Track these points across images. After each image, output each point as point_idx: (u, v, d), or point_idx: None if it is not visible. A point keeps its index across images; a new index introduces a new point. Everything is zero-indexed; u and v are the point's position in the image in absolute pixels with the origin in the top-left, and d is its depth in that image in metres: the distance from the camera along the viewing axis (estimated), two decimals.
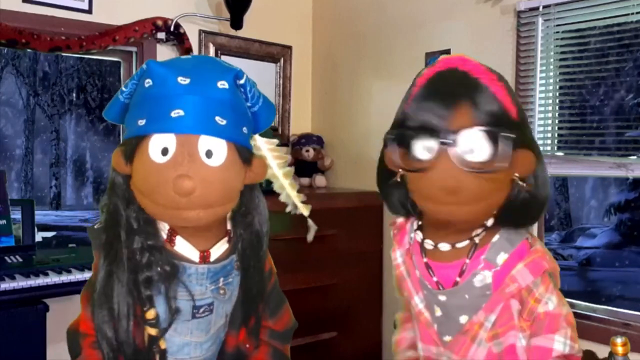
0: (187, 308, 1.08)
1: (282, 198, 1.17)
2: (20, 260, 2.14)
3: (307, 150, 2.92)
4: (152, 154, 0.95)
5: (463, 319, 1.10)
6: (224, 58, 2.73)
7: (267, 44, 2.91)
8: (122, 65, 2.60)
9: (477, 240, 1.09)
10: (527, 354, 1.07)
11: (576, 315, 2.04)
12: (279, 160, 1.13)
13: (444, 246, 1.10)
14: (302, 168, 2.92)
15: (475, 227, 1.09)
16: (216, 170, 0.97)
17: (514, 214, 1.05)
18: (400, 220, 1.23)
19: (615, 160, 1.97)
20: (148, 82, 0.97)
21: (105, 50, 2.38)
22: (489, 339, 1.09)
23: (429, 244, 1.13)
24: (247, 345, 1.17)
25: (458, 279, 1.09)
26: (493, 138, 0.95)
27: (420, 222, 1.17)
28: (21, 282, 1.94)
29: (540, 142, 2.16)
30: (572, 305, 2.10)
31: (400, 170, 1.05)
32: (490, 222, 1.08)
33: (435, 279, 1.12)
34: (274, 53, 2.96)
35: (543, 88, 2.16)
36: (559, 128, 2.17)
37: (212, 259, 1.10)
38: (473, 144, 0.95)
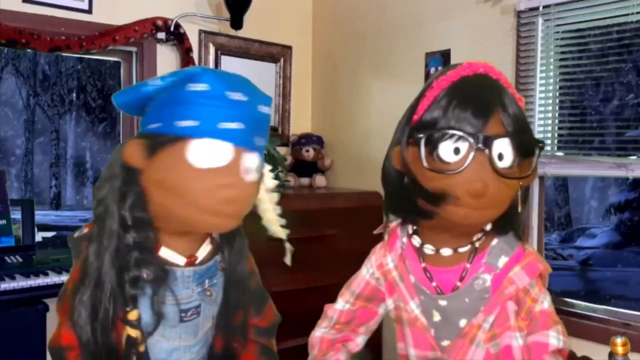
0: (173, 313, 1.07)
1: (264, 222, 1.19)
2: (20, 260, 2.14)
3: (307, 150, 2.92)
4: (197, 158, 0.95)
5: (462, 322, 1.11)
6: (224, 58, 2.73)
7: (267, 44, 2.91)
8: (122, 65, 2.60)
9: (477, 244, 1.11)
10: (524, 351, 1.09)
11: (576, 315, 2.06)
12: (268, 184, 1.14)
13: (446, 251, 1.11)
14: (302, 168, 2.92)
15: (476, 232, 1.10)
16: (253, 186, 1.02)
17: (509, 221, 1.09)
18: (392, 224, 1.22)
19: (615, 160, 1.97)
20: (203, 87, 0.98)
21: (105, 50, 2.38)
22: (487, 340, 1.10)
23: (429, 249, 1.13)
24: (235, 345, 1.18)
25: (459, 283, 1.10)
26: (520, 145, 1.00)
27: (415, 227, 1.17)
28: (21, 282, 1.94)
29: None
30: (572, 305, 2.11)
31: (412, 169, 1.05)
32: (488, 226, 1.11)
33: (434, 283, 1.12)
34: (274, 53, 2.96)
35: (543, 88, 2.16)
36: (559, 128, 2.18)
37: (197, 261, 1.11)
38: (503, 149, 0.99)
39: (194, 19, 2.64)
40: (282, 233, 1.22)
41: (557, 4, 2.07)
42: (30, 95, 14.97)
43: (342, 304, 1.30)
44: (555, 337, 1.09)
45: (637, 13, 1.88)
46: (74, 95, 15.33)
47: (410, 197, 1.07)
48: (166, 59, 2.56)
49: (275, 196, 1.17)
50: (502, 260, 1.09)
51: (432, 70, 2.48)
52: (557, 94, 2.16)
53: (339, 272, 2.41)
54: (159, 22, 2.48)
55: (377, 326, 1.33)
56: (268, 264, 2.23)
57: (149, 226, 1.04)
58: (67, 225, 11.02)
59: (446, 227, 1.07)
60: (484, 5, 2.30)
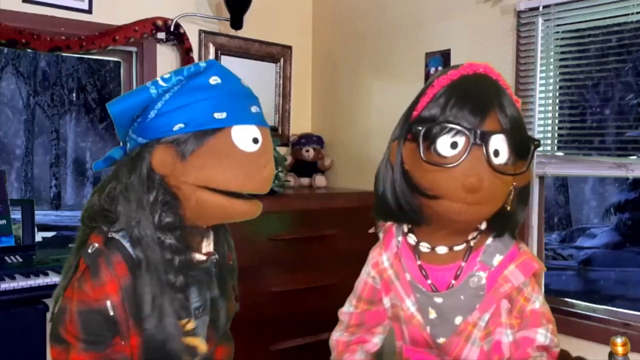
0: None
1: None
2: (20, 260, 2.14)
3: (307, 150, 2.92)
4: (241, 143, 1.01)
5: (458, 320, 1.12)
6: (224, 58, 2.73)
7: (267, 44, 2.91)
8: (122, 65, 2.60)
9: (472, 243, 1.12)
10: (512, 346, 1.12)
11: (576, 315, 2.06)
12: None
13: (442, 249, 1.13)
14: (302, 168, 2.92)
15: (471, 230, 1.12)
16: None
17: (499, 222, 1.10)
18: (387, 223, 1.24)
19: (615, 160, 1.97)
20: (215, 80, 1.02)
21: (105, 50, 2.38)
22: (483, 337, 1.12)
23: (424, 246, 1.14)
24: (209, 335, 1.18)
25: (453, 281, 1.12)
26: (515, 143, 1.02)
27: (410, 226, 1.18)
28: (21, 282, 1.94)
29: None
30: (572, 305, 2.11)
31: (407, 164, 1.07)
32: (483, 225, 1.12)
33: (429, 281, 1.13)
34: (274, 53, 2.96)
35: (543, 88, 2.16)
36: (559, 128, 2.17)
37: (213, 256, 1.14)
38: (499, 146, 1.00)
39: (194, 19, 2.64)
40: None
41: (557, 4, 2.07)
42: (30, 95, 14.97)
43: (348, 307, 1.31)
44: (542, 335, 1.11)
45: (637, 13, 1.88)
46: (74, 95, 15.33)
47: (399, 195, 1.08)
48: (166, 59, 2.56)
49: None
50: (497, 259, 1.11)
51: (432, 70, 2.48)
52: (557, 94, 2.16)
53: (339, 272, 2.42)
54: (159, 22, 2.48)
55: None
56: (268, 264, 2.25)
57: (183, 228, 1.04)
58: (67, 225, 11.02)
59: (441, 224, 1.08)
60: (484, 5, 2.30)
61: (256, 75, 2.83)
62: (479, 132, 0.99)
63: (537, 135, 2.15)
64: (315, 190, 2.79)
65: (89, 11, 2.37)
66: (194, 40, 2.61)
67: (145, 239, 0.99)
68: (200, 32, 2.66)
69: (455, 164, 1.00)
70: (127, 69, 2.59)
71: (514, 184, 1.06)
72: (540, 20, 2.13)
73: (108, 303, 0.99)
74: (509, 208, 1.07)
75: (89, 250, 1.02)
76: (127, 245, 1.01)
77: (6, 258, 2.12)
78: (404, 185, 1.07)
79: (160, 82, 1.02)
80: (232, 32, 2.67)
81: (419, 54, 2.54)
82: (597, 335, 1.92)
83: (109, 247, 1.01)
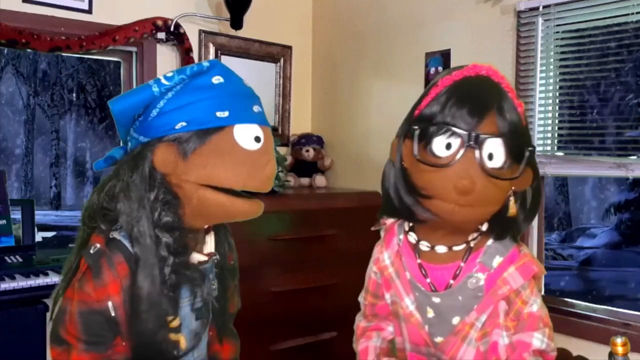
0: (188, 310, 1.09)
1: None
2: (20, 260, 2.14)
3: (307, 150, 2.92)
4: (243, 141, 1.02)
5: (455, 320, 1.13)
6: (224, 58, 2.73)
7: (267, 44, 2.91)
8: (122, 65, 2.60)
9: (472, 244, 1.12)
10: (508, 349, 1.12)
11: (576, 315, 2.06)
12: None
13: (441, 248, 1.13)
14: (302, 168, 2.92)
15: (471, 231, 1.12)
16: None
17: (501, 225, 1.10)
18: (389, 221, 1.24)
19: (615, 160, 1.97)
20: (218, 79, 1.02)
21: (105, 50, 2.38)
22: (479, 338, 1.12)
23: (424, 245, 1.15)
24: (211, 333, 1.19)
25: (452, 281, 1.12)
26: (512, 148, 1.01)
27: (411, 224, 1.18)
28: (21, 282, 1.94)
29: (540, 142, 2.16)
30: (572, 305, 2.11)
31: (405, 162, 1.07)
32: (485, 226, 1.12)
33: (428, 280, 1.14)
34: (274, 53, 2.96)
35: (543, 88, 2.16)
36: (559, 128, 2.17)
37: (214, 257, 1.15)
38: (494, 150, 1.00)
39: (194, 19, 2.64)
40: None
41: (557, 4, 2.07)
42: (30, 95, 14.96)
43: (361, 296, 1.33)
44: (539, 339, 1.10)
45: (637, 13, 1.88)
46: (74, 95, 15.33)
47: (401, 193, 1.08)
48: (166, 59, 2.56)
49: None
50: (497, 261, 1.11)
51: (432, 70, 2.48)
52: (557, 94, 2.16)
53: (339, 272, 2.42)
54: (159, 22, 2.48)
55: None
56: (268, 264, 2.25)
57: (182, 229, 1.04)
58: (67, 225, 11.02)
59: (438, 224, 1.08)
60: (484, 5, 2.30)
61: (256, 75, 2.82)
62: (473, 134, 0.99)
63: (537, 135, 2.16)
64: (315, 190, 2.79)
65: (89, 11, 2.37)
66: (194, 40, 2.61)
67: (144, 237, 0.99)
68: (200, 32, 2.66)
69: (448, 164, 1.00)
70: (127, 69, 2.59)
71: (513, 188, 1.05)
72: (540, 20, 2.13)
73: (110, 304, 0.99)
74: (511, 212, 1.07)
75: (91, 251, 1.01)
76: (128, 245, 1.01)
77: (6, 258, 2.12)
78: (402, 182, 1.08)
79: (163, 81, 1.02)
80: (232, 32, 2.67)
81: (419, 54, 2.54)
82: (597, 335, 1.92)
83: (110, 248, 1.01)
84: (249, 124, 1.02)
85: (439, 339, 1.15)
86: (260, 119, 1.05)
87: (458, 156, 1.00)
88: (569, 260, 10.38)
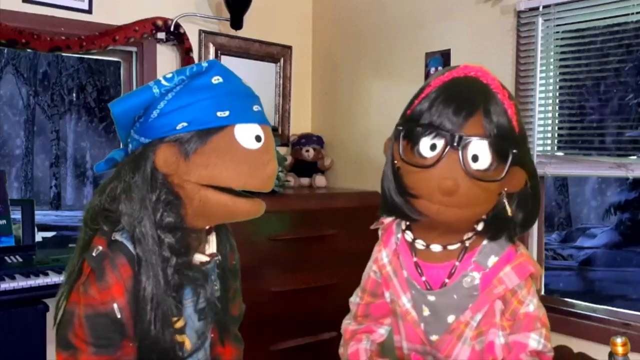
0: (191, 310, 1.10)
1: None
2: (20, 260, 2.14)
3: (307, 150, 2.92)
4: (243, 141, 1.02)
5: (450, 318, 1.13)
6: (224, 58, 2.73)
7: (267, 44, 2.91)
8: (122, 65, 2.60)
9: (467, 243, 1.13)
10: (505, 349, 1.12)
11: (576, 315, 2.06)
12: None
13: (436, 247, 1.14)
14: (302, 168, 2.92)
15: (466, 230, 1.12)
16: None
17: (496, 226, 1.10)
18: (387, 220, 1.25)
19: (615, 160, 1.97)
20: (217, 79, 1.03)
21: (105, 50, 2.38)
22: (474, 337, 1.13)
23: (420, 244, 1.15)
24: (213, 335, 1.20)
25: (447, 280, 1.12)
26: (498, 150, 1.00)
27: (408, 223, 1.19)
28: (21, 282, 1.94)
29: (540, 142, 2.16)
30: (572, 305, 2.11)
31: (397, 162, 1.08)
32: (480, 226, 1.12)
33: (424, 278, 1.15)
34: (274, 53, 2.96)
35: (543, 88, 2.16)
36: (559, 128, 2.17)
37: (216, 257, 1.15)
38: (479, 152, 0.99)
39: (194, 19, 2.64)
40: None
41: (557, 4, 2.07)
42: (30, 95, 14.96)
43: (355, 297, 1.33)
44: (535, 340, 1.10)
45: (637, 13, 1.88)
46: (74, 95, 15.33)
47: (397, 192, 1.08)
48: (166, 59, 2.56)
49: None
50: (492, 260, 1.11)
51: (432, 70, 2.48)
52: (557, 94, 2.16)
53: (339, 272, 2.42)
54: (159, 22, 2.48)
55: None
56: (268, 264, 2.25)
57: (184, 229, 1.04)
58: (67, 225, 11.02)
59: (433, 223, 1.09)
60: (484, 5, 2.30)
61: (256, 75, 2.82)
62: (457, 135, 0.99)
63: (537, 135, 2.15)
64: (315, 190, 2.79)
65: (89, 11, 2.38)
66: (194, 40, 2.61)
67: (146, 238, 0.99)
68: (200, 32, 2.66)
69: (433, 165, 1.00)
70: (127, 69, 2.59)
71: (505, 189, 1.05)
72: (540, 20, 2.13)
73: (115, 306, 0.99)
74: (509, 212, 1.06)
75: (93, 254, 1.01)
76: (130, 246, 1.01)
77: (6, 258, 2.12)
78: (392, 182, 1.09)
79: (163, 82, 1.02)
80: (232, 32, 2.67)
81: (419, 54, 2.54)
82: (597, 335, 1.92)
83: (113, 250, 1.01)
84: (249, 123, 1.03)
85: (434, 337, 1.15)
86: (261, 118, 1.06)
87: (442, 157, 0.99)
88: (569, 260, 10.38)
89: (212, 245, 1.15)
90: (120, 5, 2.44)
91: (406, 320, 1.18)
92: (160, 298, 0.99)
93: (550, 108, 2.16)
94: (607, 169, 1.98)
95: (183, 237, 1.04)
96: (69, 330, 1.01)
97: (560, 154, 2.14)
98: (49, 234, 8.86)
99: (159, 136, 1.01)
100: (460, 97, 1.02)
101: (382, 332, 1.30)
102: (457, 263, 1.12)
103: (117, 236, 1.02)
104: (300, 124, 3.10)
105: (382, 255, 1.23)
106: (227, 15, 2.60)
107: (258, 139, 1.03)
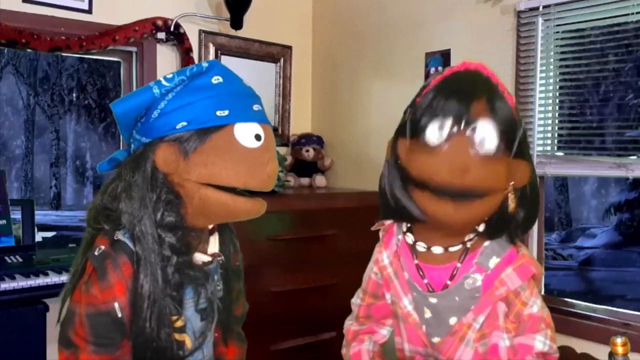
0: (192, 310, 1.10)
1: None
2: (20, 260, 2.14)
3: (307, 150, 2.92)
4: (243, 140, 1.02)
5: (452, 320, 1.13)
6: (224, 58, 2.73)
7: (267, 44, 2.91)
8: (122, 65, 2.60)
9: (469, 245, 1.12)
10: (510, 352, 1.11)
11: (576, 315, 2.06)
12: None
13: (437, 249, 1.13)
14: (302, 168, 2.92)
15: (467, 232, 1.12)
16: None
17: (497, 225, 1.10)
18: (387, 222, 1.24)
19: (615, 160, 1.97)
20: (217, 79, 1.03)
21: (105, 50, 2.38)
22: (477, 339, 1.12)
23: (421, 246, 1.15)
24: (216, 335, 1.20)
25: (449, 282, 1.12)
26: (504, 133, 1.01)
27: (409, 225, 1.19)
28: (21, 282, 1.94)
29: (540, 142, 2.16)
30: (572, 305, 2.11)
31: (402, 156, 1.07)
32: (481, 227, 1.12)
33: (425, 280, 1.14)
34: (274, 53, 2.96)
35: (543, 88, 2.16)
36: (559, 128, 2.17)
37: (219, 257, 1.15)
38: (485, 134, 1.00)
39: (194, 19, 2.64)
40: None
41: (557, 4, 2.07)
42: (30, 95, 14.97)
43: (356, 298, 1.32)
44: (541, 341, 1.10)
45: (637, 13, 1.88)
46: (74, 95, 15.33)
47: (399, 191, 1.08)
48: (166, 59, 2.56)
49: None
50: (493, 261, 1.11)
51: (432, 70, 2.48)
52: (557, 94, 2.16)
53: (339, 272, 2.42)
54: (159, 22, 2.48)
55: None
56: (268, 264, 2.25)
57: (184, 228, 1.05)
58: (67, 225, 11.03)
59: (435, 225, 1.08)
60: (484, 5, 2.30)
61: (256, 75, 2.82)
62: (464, 118, 0.99)
63: (537, 135, 2.15)
64: (315, 190, 2.79)
65: (89, 11, 2.38)
66: (194, 40, 2.61)
67: (146, 237, 1.00)
68: (200, 32, 2.66)
69: (441, 147, 1.00)
70: (127, 69, 2.59)
71: (512, 183, 1.05)
72: (540, 20, 2.13)
73: (116, 305, 1.00)
74: (510, 208, 1.06)
75: (96, 253, 1.02)
76: (132, 246, 1.01)
77: (6, 258, 2.12)
78: (397, 178, 1.08)
79: (163, 82, 1.03)
80: (232, 32, 2.67)
81: (419, 54, 2.54)
82: (597, 335, 1.92)
83: (115, 249, 1.02)
84: (249, 122, 1.03)
85: (436, 340, 1.15)
86: (261, 118, 1.06)
87: (451, 139, 1.00)
88: (569, 260, 10.38)
89: (214, 245, 1.15)
90: (120, 5, 2.44)
91: (408, 322, 1.18)
92: (158, 296, 1.00)
93: (550, 108, 2.16)
94: (607, 169, 1.98)
95: (183, 236, 1.04)
96: (70, 328, 1.02)
97: (560, 154, 2.14)
98: (49, 234, 8.86)
99: (159, 136, 1.02)
100: (464, 85, 1.03)
101: (384, 332, 1.29)
102: (458, 264, 1.11)
103: (119, 235, 1.03)
104: (300, 124, 3.10)
105: (383, 256, 1.23)
106: (227, 15, 2.60)
107: (258, 137, 1.03)
